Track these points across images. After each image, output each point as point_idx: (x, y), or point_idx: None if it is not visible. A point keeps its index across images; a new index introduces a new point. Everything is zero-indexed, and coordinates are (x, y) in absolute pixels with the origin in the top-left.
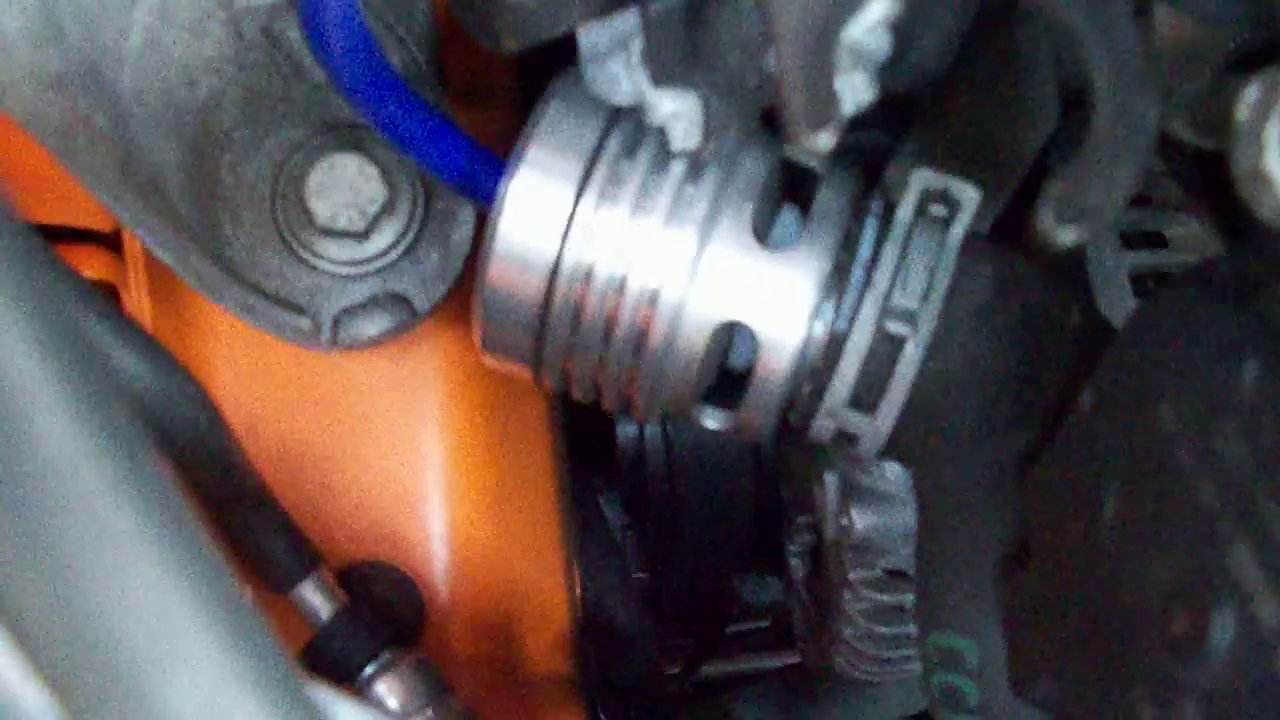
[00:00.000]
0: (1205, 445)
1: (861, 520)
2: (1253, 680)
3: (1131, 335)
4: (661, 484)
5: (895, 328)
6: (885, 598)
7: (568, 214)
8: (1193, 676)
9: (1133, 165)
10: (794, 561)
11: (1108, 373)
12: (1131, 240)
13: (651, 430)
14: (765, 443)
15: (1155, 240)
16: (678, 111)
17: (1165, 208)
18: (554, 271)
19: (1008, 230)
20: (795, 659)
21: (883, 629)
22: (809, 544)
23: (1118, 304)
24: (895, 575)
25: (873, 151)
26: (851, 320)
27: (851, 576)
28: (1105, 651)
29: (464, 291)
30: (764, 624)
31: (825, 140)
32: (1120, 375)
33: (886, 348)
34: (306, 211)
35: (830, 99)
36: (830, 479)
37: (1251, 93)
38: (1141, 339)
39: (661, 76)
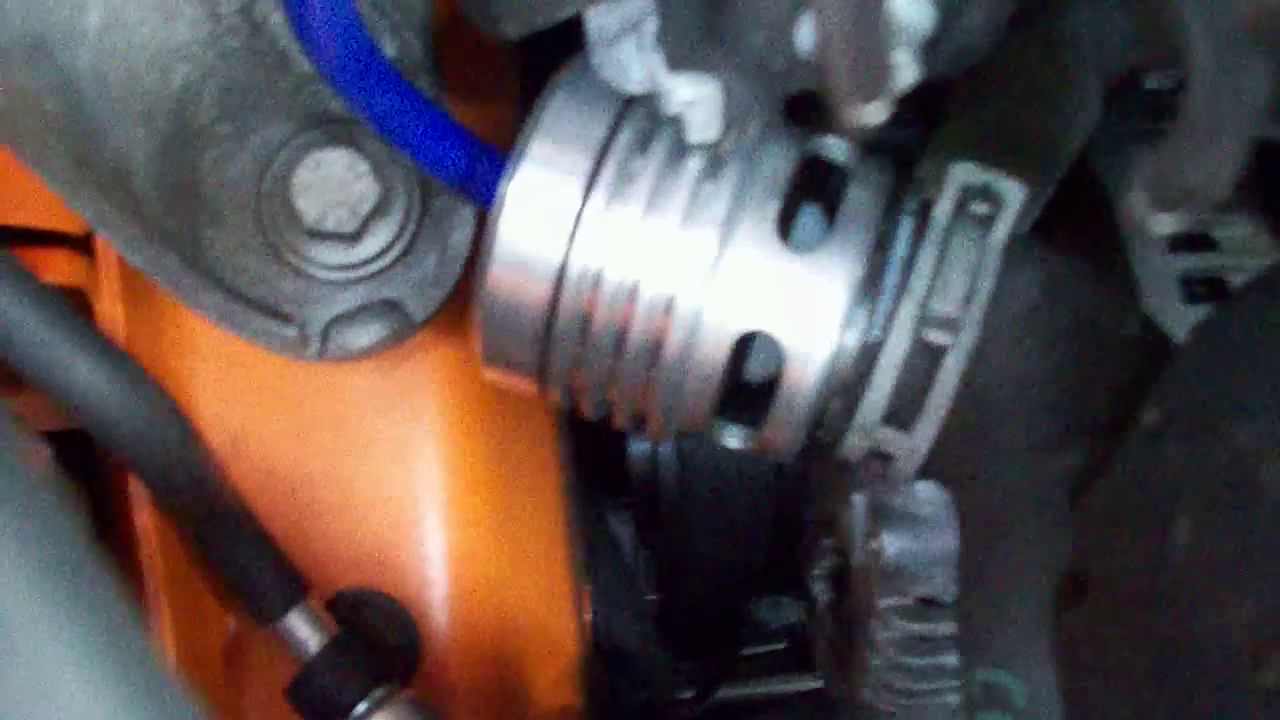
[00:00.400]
0: None
1: (893, 545)
2: None
3: (1201, 345)
4: (675, 503)
5: (934, 336)
6: (917, 627)
7: (574, 214)
8: None
9: (1240, 137)
10: (817, 586)
11: (1174, 386)
12: (1178, 243)
13: (664, 448)
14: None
15: (1204, 243)
16: (695, 98)
17: (1217, 208)
18: (560, 277)
19: (1049, 231)
20: (812, 684)
21: (914, 660)
22: (834, 568)
23: (1167, 309)
24: (928, 604)
25: (902, 149)
26: (886, 329)
27: (881, 604)
28: (1177, 696)
29: (463, 298)
30: (780, 646)
31: (877, 113)
32: (1190, 389)
33: (925, 359)
34: (293, 212)
35: (881, 65)
36: (858, 500)
37: None
38: (1213, 349)
39: (678, 59)
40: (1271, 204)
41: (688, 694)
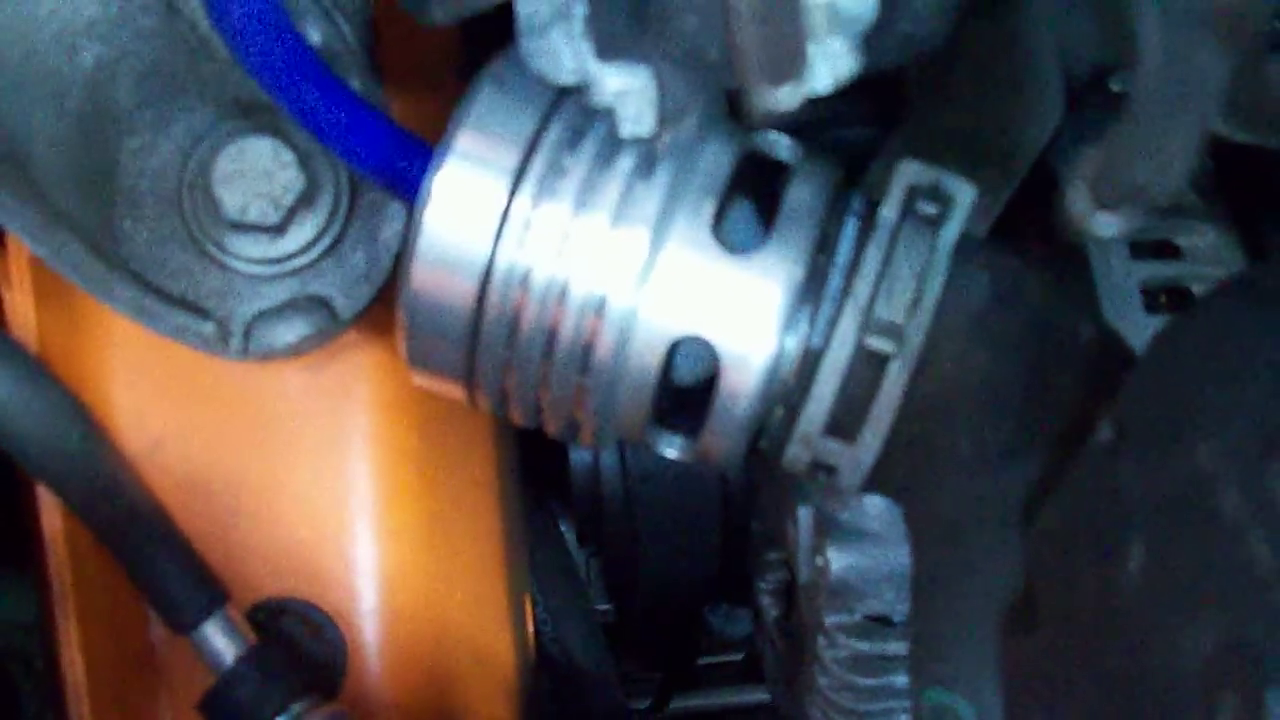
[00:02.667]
0: (1255, 488)
1: (839, 561)
2: None
3: (1159, 358)
4: (618, 513)
5: (878, 343)
6: (865, 646)
7: (501, 210)
8: None
9: (1189, 131)
10: (765, 601)
11: (1131, 402)
12: (1141, 250)
13: (607, 458)
14: (732, 470)
15: (1167, 250)
16: (627, 89)
17: (1177, 215)
18: (486, 276)
19: (1008, 235)
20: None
21: (862, 680)
22: (781, 582)
23: (1128, 319)
24: (876, 621)
25: (857, 150)
26: (828, 335)
27: (827, 622)
28: None
29: (393, 295)
30: (737, 657)
31: (789, 98)
32: (1147, 405)
33: (868, 367)
34: (214, 203)
35: (794, 45)
36: (804, 513)
37: None
38: (1172, 362)
39: (608, 48)
40: (1239, 211)
41: (643, 704)
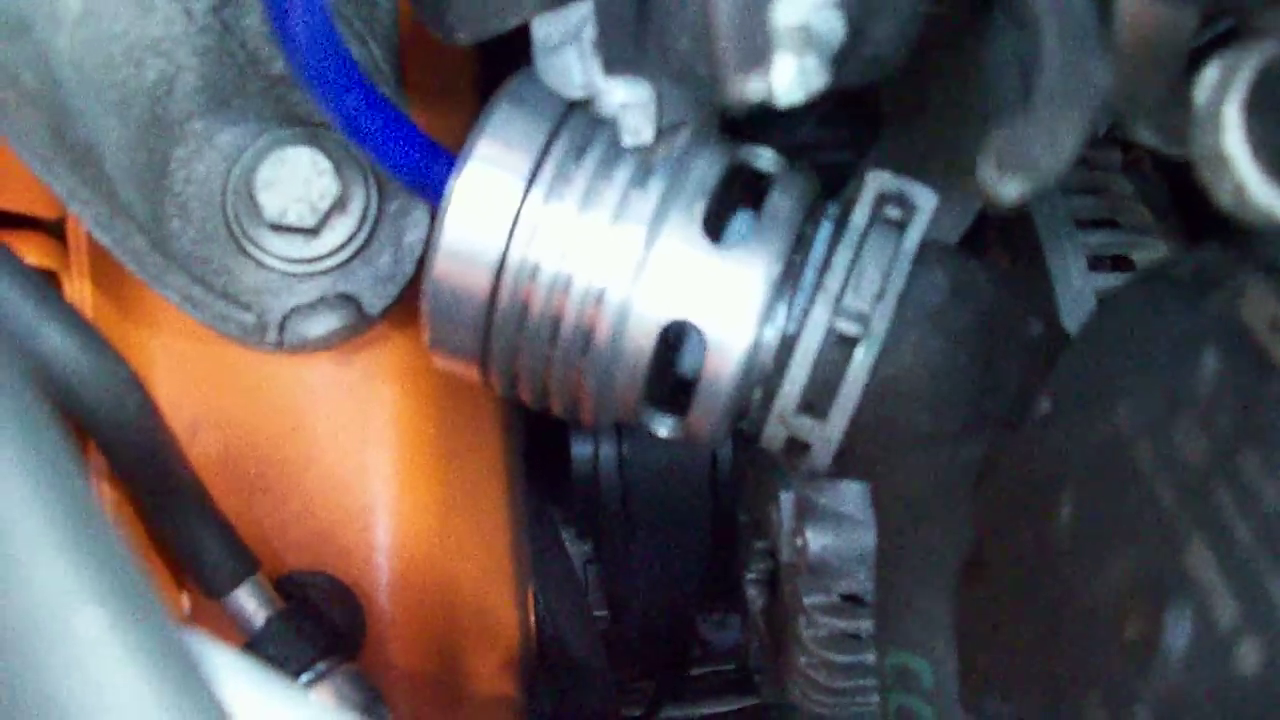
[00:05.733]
0: (1163, 443)
1: (816, 541)
2: (1209, 683)
3: (1087, 339)
4: (615, 503)
5: (846, 328)
6: (841, 624)
7: (514, 211)
8: (1147, 681)
9: (1078, 122)
10: (751, 591)
11: (1064, 375)
12: (1100, 264)
13: (606, 451)
14: (723, 465)
15: (1123, 264)
16: (629, 101)
17: (1134, 231)
18: (500, 268)
19: (973, 245)
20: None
21: (838, 657)
22: (766, 571)
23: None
24: (851, 600)
25: (836, 173)
26: (802, 321)
27: (807, 602)
28: (1058, 661)
29: (416, 295)
30: (728, 667)
31: (756, 88)
32: (1078, 377)
33: (838, 351)
34: (256, 206)
35: (762, 36)
36: (785, 497)
37: (1210, 74)
38: (1099, 339)
39: (613, 64)
40: (1192, 228)
41: (635, 713)
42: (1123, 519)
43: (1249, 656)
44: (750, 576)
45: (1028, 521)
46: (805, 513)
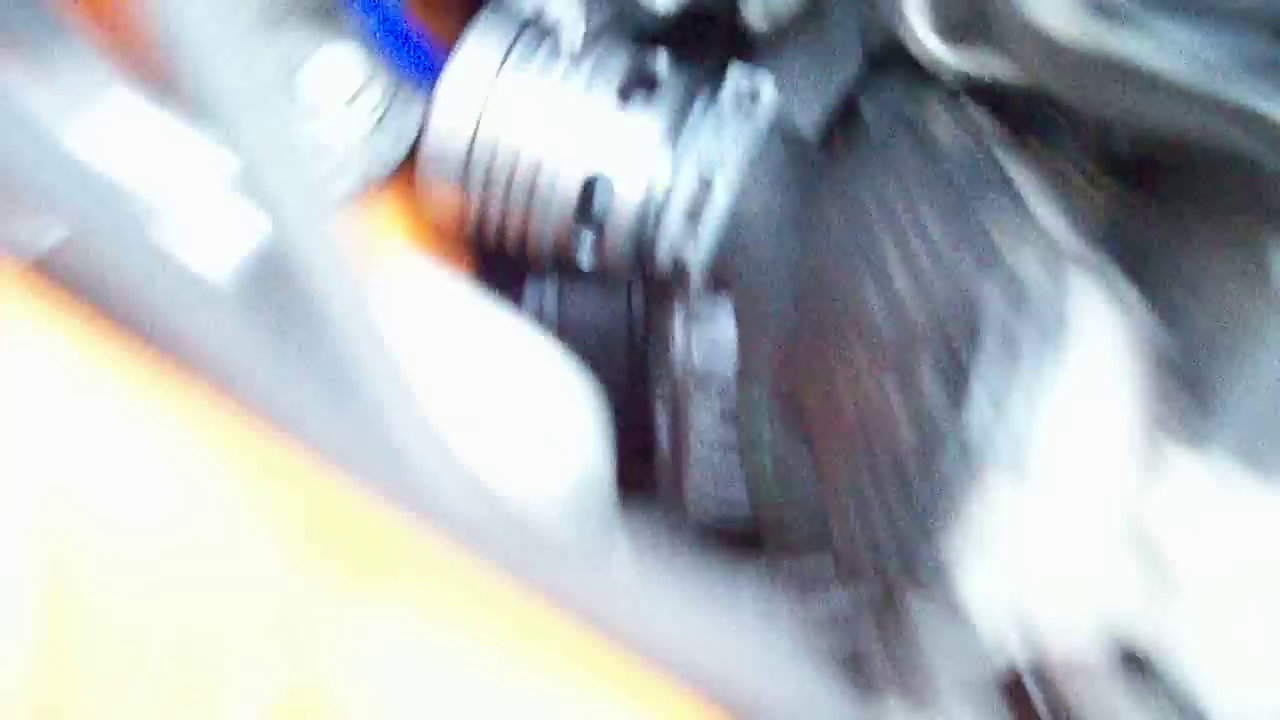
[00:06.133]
0: (881, 195)
1: (699, 348)
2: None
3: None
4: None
5: (708, 173)
6: (727, 434)
7: (484, 95)
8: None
9: None
10: (659, 409)
11: (838, 178)
12: None
13: (549, 304)
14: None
15: None
16: (565, 15)
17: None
18: (473, 136)
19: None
20: None
21: (732, 434)
22: (668, 388)
23: None
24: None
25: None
26: (679, 167)
27: (693, 416)
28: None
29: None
30: None
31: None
32: (845, 179)
33: (704, 191)
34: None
35: None
36: (679, 307)
37: None
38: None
39: None
40: (1125, 257)
41: None
42: (861, 235)
43: None
44: (657, 393)
45: (812, 250)
46: (690, 322)
